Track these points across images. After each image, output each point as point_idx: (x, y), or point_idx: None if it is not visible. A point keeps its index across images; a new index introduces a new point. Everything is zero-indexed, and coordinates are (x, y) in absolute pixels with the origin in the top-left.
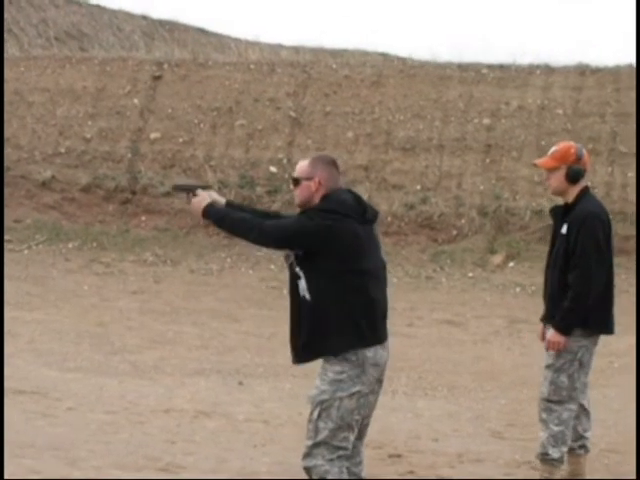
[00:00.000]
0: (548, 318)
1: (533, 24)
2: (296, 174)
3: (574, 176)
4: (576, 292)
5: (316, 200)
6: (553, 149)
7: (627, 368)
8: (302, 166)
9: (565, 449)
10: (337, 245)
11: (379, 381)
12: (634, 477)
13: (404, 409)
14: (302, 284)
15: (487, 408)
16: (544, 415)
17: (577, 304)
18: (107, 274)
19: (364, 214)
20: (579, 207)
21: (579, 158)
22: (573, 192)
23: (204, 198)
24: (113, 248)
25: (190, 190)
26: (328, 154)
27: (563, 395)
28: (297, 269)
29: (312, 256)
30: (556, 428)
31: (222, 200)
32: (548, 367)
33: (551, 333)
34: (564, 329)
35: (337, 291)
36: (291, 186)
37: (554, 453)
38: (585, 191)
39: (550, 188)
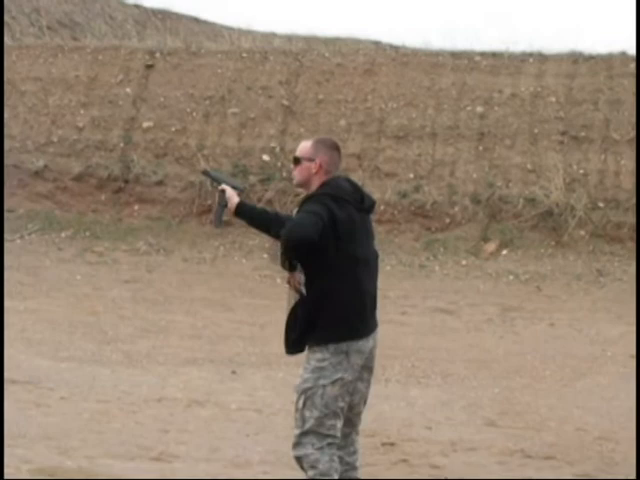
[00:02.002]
0: None
1: (526, 12)
2: (298, 153)
3: None
4: None
5: (314, 182)
6: None
7: (620, 356)
8: (305, 146)
9: None
10: (336, 229)
11: (367, 368)
12: (632, 472)
13: (397, 397)
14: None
15: (480, 396)
16: None
17: None
18: (100, 263)
19: (362, 202)
20: None
21: None
22: None
23: (233, 196)
24: (106, 237)
25: (215, 181)
26: (331, 138)
27: None
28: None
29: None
30: None
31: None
32: None
33: None
34: None
35: (333, 280)
36: (291, 166)
37: None
38: None
39: None
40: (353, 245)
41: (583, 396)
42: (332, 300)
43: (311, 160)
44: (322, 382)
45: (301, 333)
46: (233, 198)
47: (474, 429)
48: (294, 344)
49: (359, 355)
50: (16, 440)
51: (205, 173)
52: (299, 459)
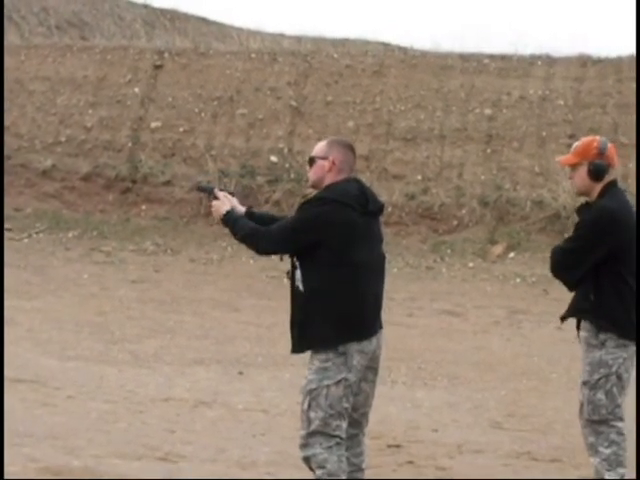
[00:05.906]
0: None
1: (535, 14)
2: (312, 153)
3: (596, 173)
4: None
5: (326, 181)
6: (575, 144)
7: None
8: (319, 146)
9: (623, 470)
10: (331, 232)
11: (371, 369)
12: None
13: (403, 399)
14: (297, 274)
15: (487, 398)
16: (591, 439)
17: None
18: (107, 263)
19: (366, 205)
20: (597, 203)
21: (602, 152)
22: (597, 190)
23: (224, 203)
24: (113, 237)
25: (211, 192)
26: (346, 139)
27: (603, 413)
28: (294, 258)
29: (310, 246)
30: (607, 450)
31: (242, 209)
32: (584, 384)
33: None
34: None
35: (329, 283)
36: (306, 167)
37: (611, 476)
38: (608, 187)
39: (574, 187)
40: (352, 248)
41: None
42: (329, 300)
43: (324, 158)
44: (326, 382)
45: (300, 330)
46: (224, 206)
47: (480, 431)
48: (297, 343)
49: (362, 355)
50: (22, 439)
51: (199, 189)
52: (307, 459)
